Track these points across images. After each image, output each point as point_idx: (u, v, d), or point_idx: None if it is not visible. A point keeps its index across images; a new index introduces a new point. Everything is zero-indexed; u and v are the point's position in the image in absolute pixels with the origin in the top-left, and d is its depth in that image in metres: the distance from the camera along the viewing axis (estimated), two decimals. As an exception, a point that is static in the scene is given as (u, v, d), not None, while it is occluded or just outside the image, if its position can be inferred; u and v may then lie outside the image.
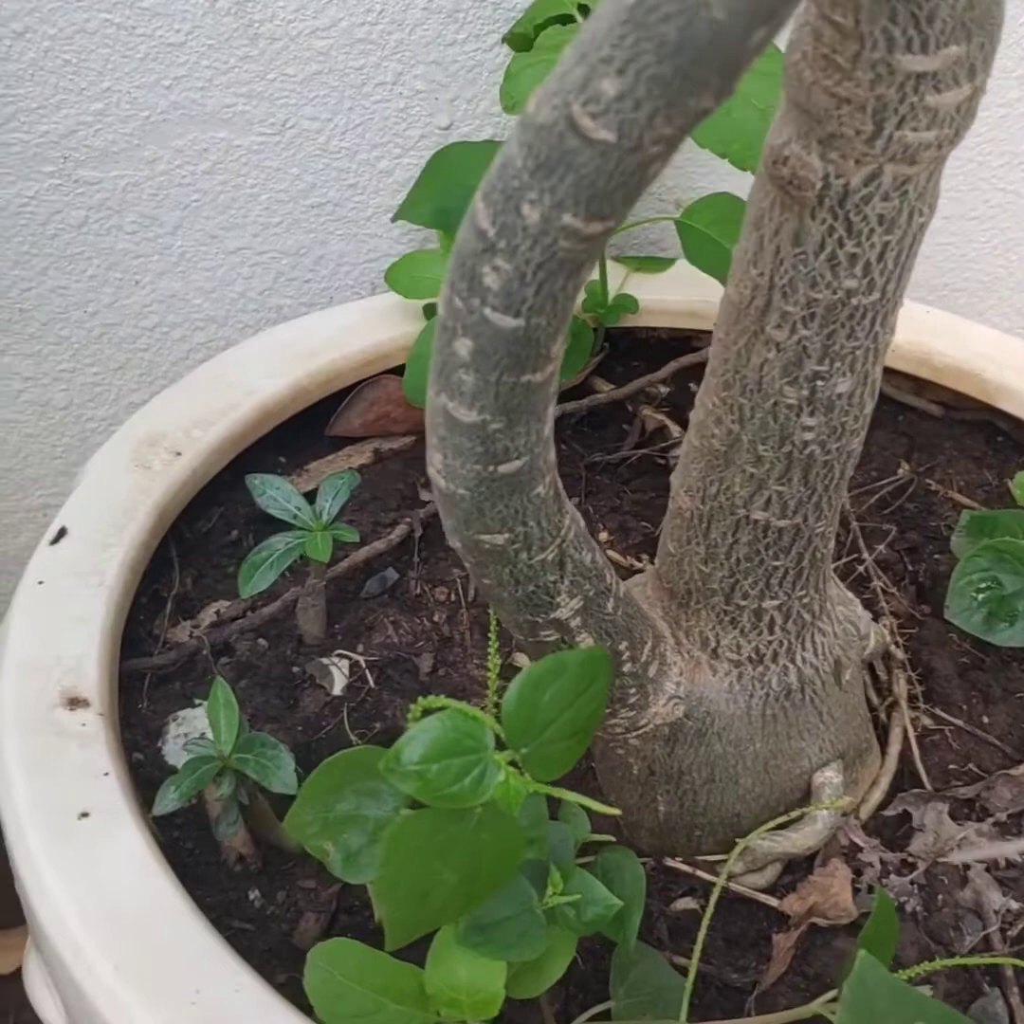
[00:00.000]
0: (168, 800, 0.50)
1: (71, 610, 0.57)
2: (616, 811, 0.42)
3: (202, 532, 0.70)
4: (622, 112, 0.31)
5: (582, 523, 0.48)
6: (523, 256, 0.35)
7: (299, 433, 0.75)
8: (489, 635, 0.52)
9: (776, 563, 0.50)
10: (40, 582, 0.58)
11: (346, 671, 0.64)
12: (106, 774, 0.51)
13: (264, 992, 0.44)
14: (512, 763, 0.41)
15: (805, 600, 0.53)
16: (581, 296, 0.78)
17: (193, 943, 0.45)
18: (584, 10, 0.69)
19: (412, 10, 0.73)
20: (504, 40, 0.75)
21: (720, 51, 0.29)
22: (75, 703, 0.53)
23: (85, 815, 0.49)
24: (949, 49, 0.36)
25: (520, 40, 0.72)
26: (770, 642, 0.53)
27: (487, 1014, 0.43)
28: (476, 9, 0.74)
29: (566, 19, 0.68)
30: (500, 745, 0.41)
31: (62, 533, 0.60)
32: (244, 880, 0.56)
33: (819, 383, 0.45)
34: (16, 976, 1.00)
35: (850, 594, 0.59)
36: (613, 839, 0.49)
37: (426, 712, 0.40)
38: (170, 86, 0.73)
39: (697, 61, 0.29)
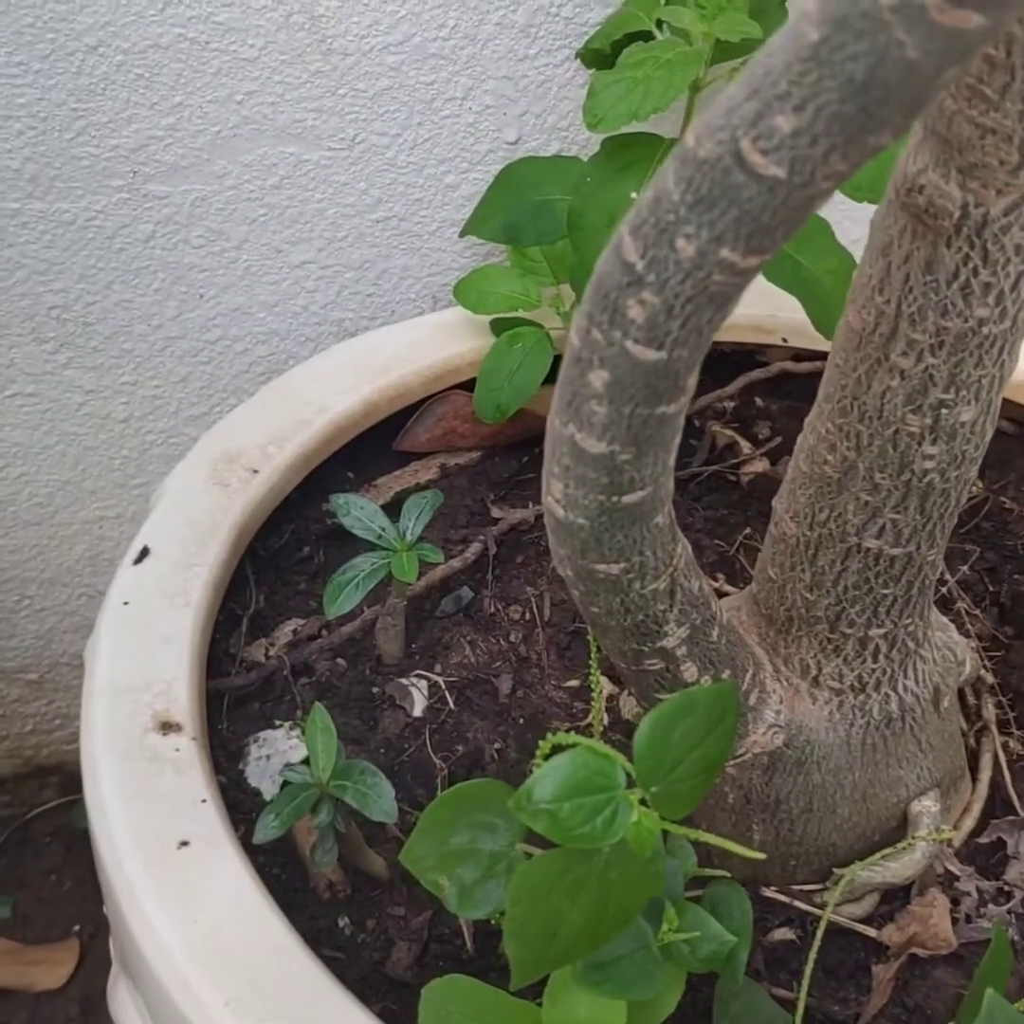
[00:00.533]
0: (268, 828, 0.49)
1: (159, 631, 0.56)
2: (760, 855, 0.41)
3: (274, 549, 0.70)
4: (797, 148, 0.30)
5: (690, 551, 0.48)
6: (673, 290, 0.35)
7: (367, 448, 0.75)
8: (590, 664, 0.51)
9: (885, 591, 0.50)
10: (125, 603, 0.57)
11: (425, 692, 0.63)
12: (204, 801, 0.50)
13: (378, 1029, 0.44)
14: (641, 802, 0.40)
15: (910, 628, 0.52)
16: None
17: (304, 979, 0.45)
18: (661, 26, 0.68)
19: (485, 26, 0.73)
20: (577, 55, 0.74)
21: (909, 90, 0.28)
22: (168, 727, 0.52)
23: (185, 844, 0.48)
24: (1104, 80, 0.36)
25: (594, 56, 0.72)
26: (873, 670, 0.53)
27: (606, 1053, 0.43)
28: (548, 24, 0.74)
29: (645, 36, 0.68)
30: (629, 783, 0.40)
31: (145, 552, 0.60)
32: (333, 908, 0.55)
33: (943, 411, 0.44)
34: (64, 991, 1.00)
35: (945, 619, 0.58)
36: (725, 873, 0.49)
37: (555, 749, 0.40)
38: (242, 101, 0.73)
39: (883, 100, 0.29)
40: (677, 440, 0.41)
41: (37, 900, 1.04)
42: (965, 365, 0.43)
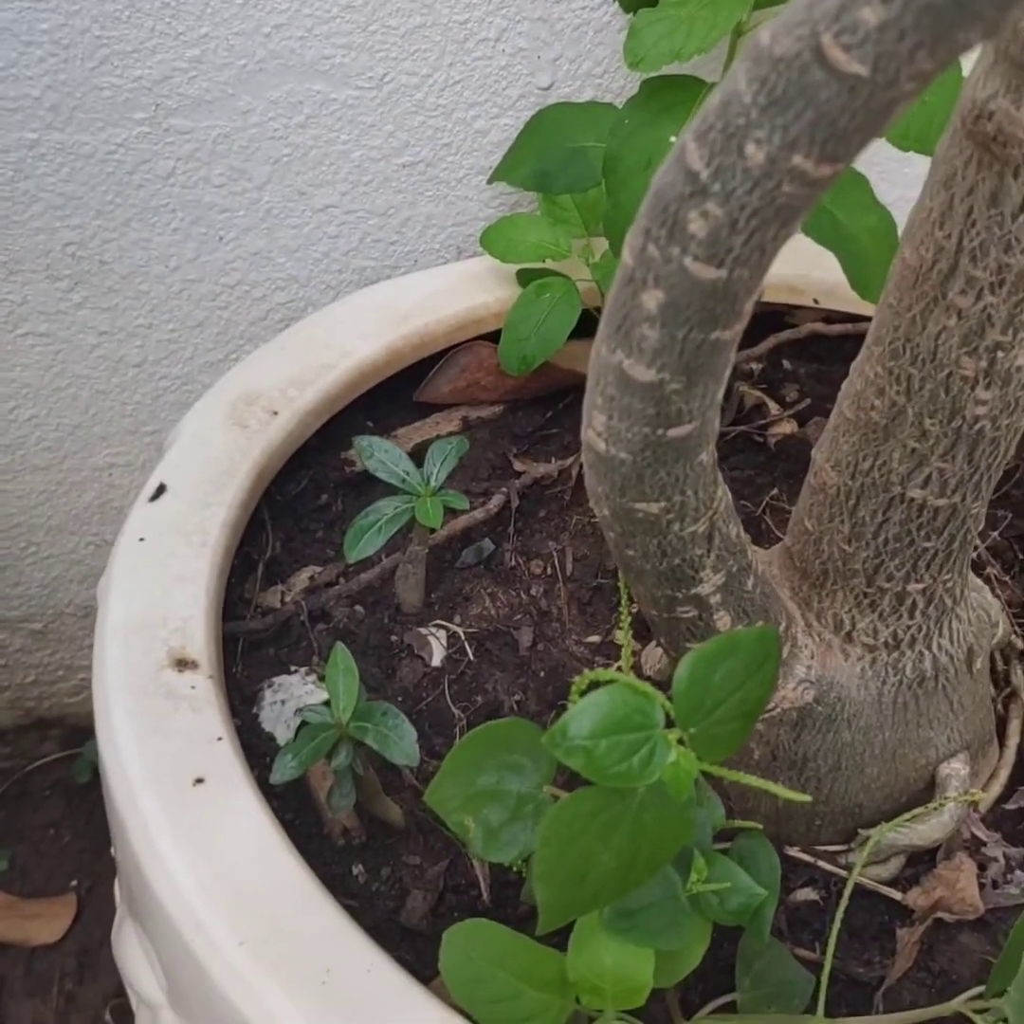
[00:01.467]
0: (286, 768, 0.48)
1: (175, 569, 0.55)
2: (807, 798, 0.40)
3: (292, 495, 0.68)
4: (883, 44, 0.28)
5: (730, 496, 0.46)
6: (739, 201, 0.33)
7: (387, 398, 0.73)
8: (621, 610, 0.50)
9: (927, 544, 0.48)
10: (141, 539, 0.56)
11: (444, 642, 0.62)
12: (219, 739, 0.49)
13: (397, 973, 0.42)
14: (680, 742, 0.39)
15: (949, 584, 0.51)
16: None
17: (321, 921, 0.43)
18: (704, -33, 0.66)
19: (522, -37, 0.71)
20: (616, -2, 0.72)
21: (1008, -23, 0.27)
22: (183, 665, 0.51)
23: (200, 781, 0.47)
24: None
25: (634, 0, 0.70)
26: (909, 627, 0.51)
27: (632, 1004, 0.41)
28: (587, -36, 0.72)
29: (688, -24, 0.66)
30: (667, 723, 0.39)
31: (161, 489, 0.58)
32: (347, 854, 0.54)
33: (1000, 354, 0.42)
34: (60, 945, 0.99)
35: (979, 580, 0.57)
36: (756, 826, 0.47)
37: (592, 685, 0.38)
38: (269, 34, 0.71)
39: (979, -12, 0.27)
40: (728, 371, 0.40)
41: (35, 853, 1.03)
42: (1026, 305, 0.41)
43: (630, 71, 0.61)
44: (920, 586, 0.50)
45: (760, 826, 0.48)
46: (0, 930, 0.97)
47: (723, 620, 0.48)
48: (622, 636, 0.50)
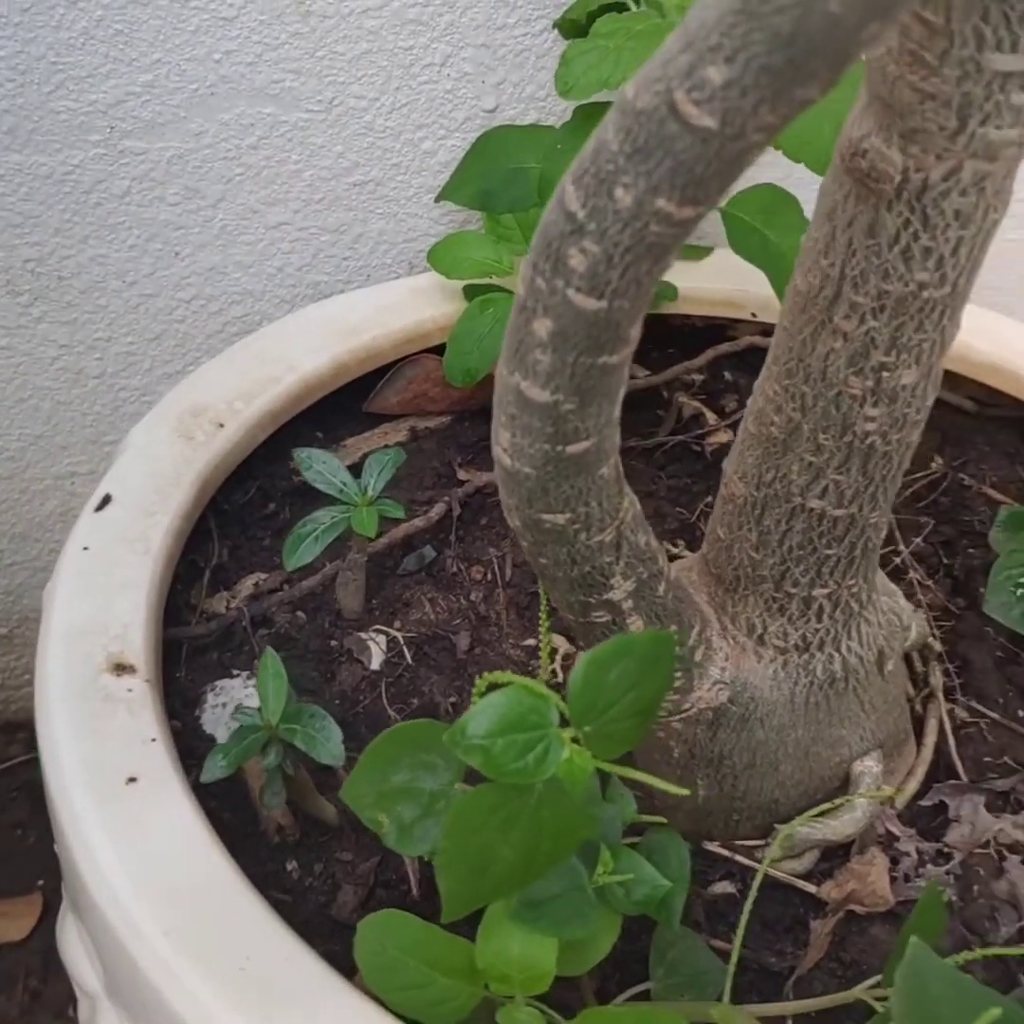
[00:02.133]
0: (216, 768, 0.50)
1: (117, 577, 0.57)
2: (687, 792, 0.42)
3: (239, 504, 0.70)
4: (728, 100, 0.31)
5: (638, 506, 0.49)
6: (612, 239, 0.35)
7: (337, 409, 0.76)
8: (540, 614, 0.52)
9: (829, 552, 0.51)
10: (85, 548, 0.58)
11: (383, 646, 0.64)
12: (153, 740, 0.51)
13: (314, 962, 0.45)
14: (574, 740, 0.41)
15: (854, 589, 0.53)
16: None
17: (243, 913, 0.46)
18: (637, -3, 0.69)
19: (464, -9, 0.73)
20: (555, 26, 0.74)
21: (833, 44, 0.29)
22: (121, 669, 0.53)
23: (133, 780, 0.49)
24: (1039, 47, 0.36)
25: (571, 26, 0.72)
26: (817, 630, 0.54)
27: (538, 989, 0.44)
28: (527, -8, 0.74)
29: (620, 7, 0.68)
30: (563, 723, 0.41)
31: (107, 499, 0.61)
32: (282, 851, 0.56)
33: (885, 374, 0.45)
34: (26, 943, 1.01)
35: (893, 585, 0.59)
36: (663, 820, 0.50)
37: (491, 687, 0.41)
38: (220, 60, 0.73)
39: (809, 53, 0.29)
40: (622, 392, 0.42)
41: (2, 854, 1.05)
42: (906, 329, 0.44)
43: (561, 97, 0.64)
44: (825, 591, 0.52)
45: (665, 820, 0.50)
46: (-32, 929, 0.99)
47: (636, 624, 0.50)
48: (543, 639, 0.52)
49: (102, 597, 0.56)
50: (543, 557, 0.48)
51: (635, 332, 0.40)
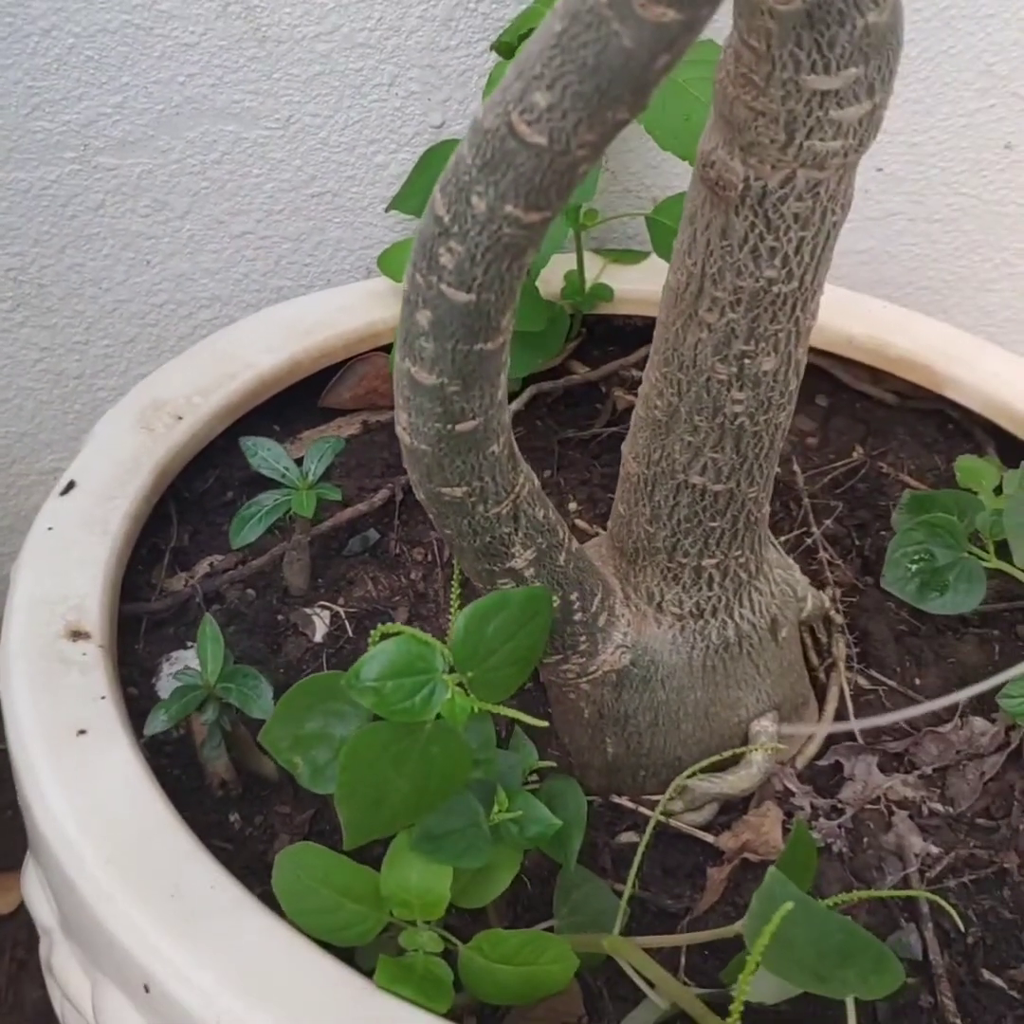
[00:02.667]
0: (157, 722, 0.56)
1: (76, 554, 0.62)
2: (543, 723, 0.48)
3: (199, 492, 0.76)
4: (552, 120, 0.36)
5: (536, 483, 0.54)
6: (473, 240, 0.41)
7: (294, 405, 0.81)
8: (453, 582, 0.57)
9: (713, 524, 0.56)
10: (50, 529, 0.64)
11: (327, 621, 0.70)
12: (103, 698, 0.56)
13: (238, 891, 0.50)
14: (460, 685, 0.46)
15: (741, 560, 0.58)
16: (561, 284, 0.84)
17: (175, 847, 0.51)
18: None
19: (408, 18, 0.79)
20: (492, 47, 0.80)
21: (630, 73, 0.34)
22: (77, 635, 0.59)
23: (82, 732, 0.55)
24: (849, 70, 0.42)
25: (506, 48, 0.78)
26: (709, 598, 0.59)
27: (433, 915, 0.49)
28: (467, 18, 0.80)
29: (549, 27, 0.74)
30: (451, 670, 0.46)
31: (71, 485, 0.66)
32: (225, 804, 0.61)
33: (746, 361, 0.50)
34: (12, 918, 1.06)
35: (790, 560, 0.64)
36: (555, 766, 0.55)
37: (384, 637, 0.46)
38: (184, 82, 0.79)
39: (612, 81, 0.35)
40: (504, 377, 0.48)
41: (-8, 833, 1.11)
42: (762, 320, 0.49)
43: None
44: (713, 561, 0.58)
45: (555, 765, 0.55)
46: (-42, 903, 1.05)
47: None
48: (453, 602, 0.57)
49: (62, 572, 0.61)
50: (448, 528, 0.53)
51: (507, 322, 0.45)
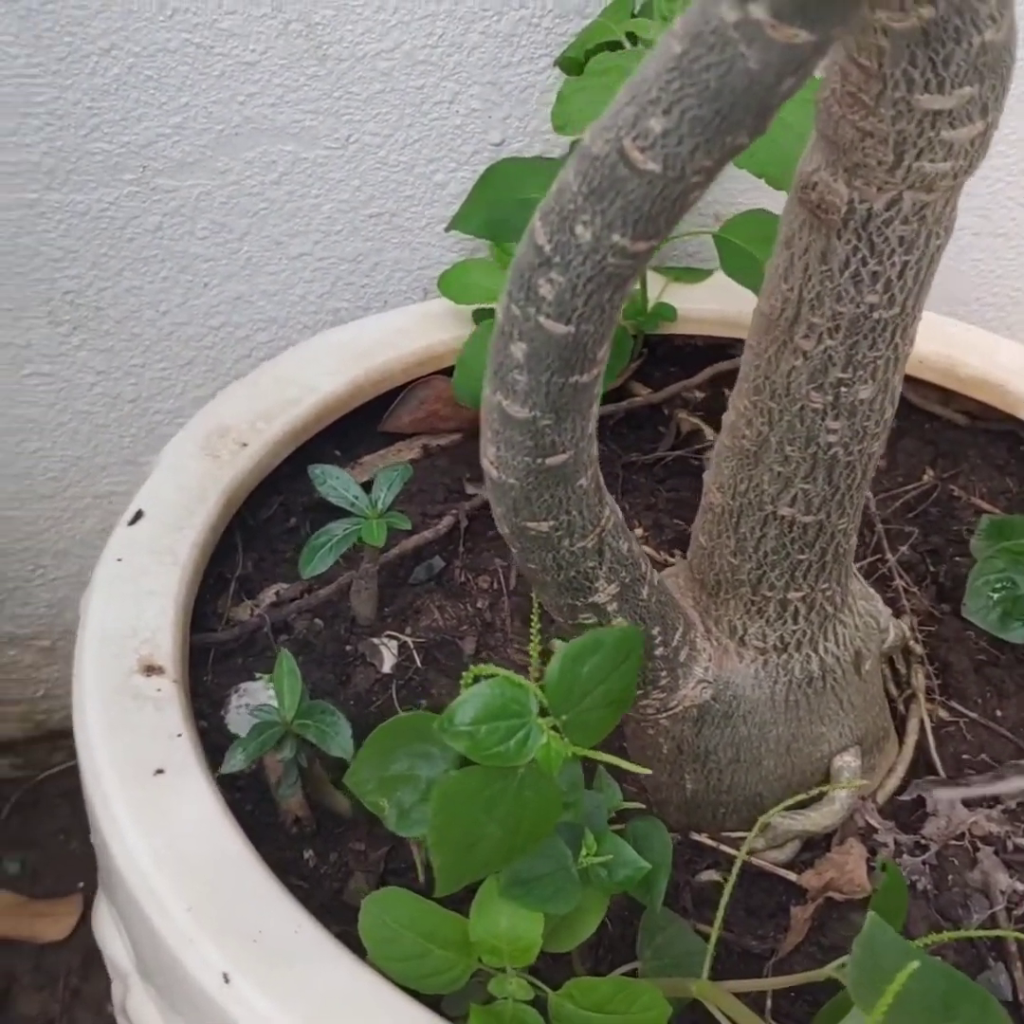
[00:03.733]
0: (235, 760, 0.54)
1: (147, 586, 0.61)
2: (647, 771, 0.46)
3: (263, 519, 0.75)
4: (667, 147, 0.35)
5: (620, 515, 0.52)
6: (575, 270, 0.39)
7: (353, 428, 0.80)
8: (532, 617, 0.56)
9: (801, 557, 0.54)
10: (119, 559, 0.63)
11: (395, 651, 0.68)
12: (179, 735, 0.55)
13: (321, 934, 0.49)
14: (553, 728, 0.45)
15: (828, 593, 0.56)
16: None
17: (257, 890, 0.50)
18: (632, 37, 0.73)
19: (470, 34, 0.78)
20: (556, 63, 0.79)
21: (754, 96, 0.33)
22: (151, 670, 0.58)
23: (160, 772, 0.53)
24: (963, 90, 0.40)
25: (571, 64, 0.77)
26: (794, 631, 0.57)
27: (524, 961, 0.47)
28: (530, 34, 0.79)
29: (614, 45, 0.73)
30: (543, 713, 0.45)
31: (139, 515, 0.65)
32: (299, 841, 0.60)
33: (843, 389, 0.49)
34: (67, 943, 1.05)
35: (872, 590, 0.62)
36: (643, 806, 0.53)
37: (477, 679, 0.45)
38: (243, 102, 0.78)
39: (734, 105, 0.33)
40: (595, 409, 0.46)
41: (46, 858, 1.10)
42: (860, 347, 0.47)
43: (557, 133, 0.68)
44: (800, 594, 0.56)
45: (643, 805, 0.53)
46: (11, 928, 1.04)
47: (621, 625, 0.54)
48: (534, 638, 0.56)
49: (133, 604, 0.60)
50: (531, 562, 0.52)
51: (603, 353, 0.44)
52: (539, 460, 0.46)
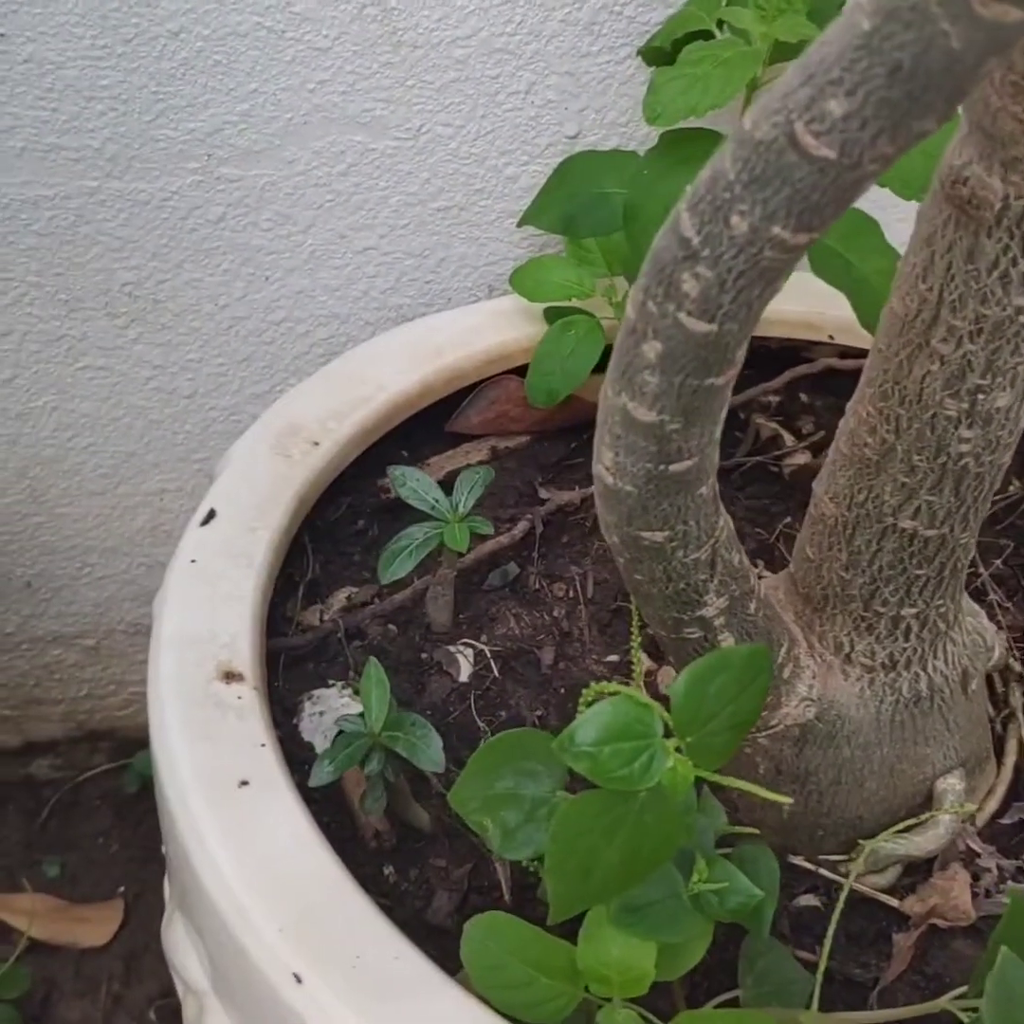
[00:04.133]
0: (323, 773, 0.52)
1: (223, 589, 0.59)
2: (787, 799, 0.44)
3: (331, 520, 0.72)
4: (847, 131, 0.33)
5: (732, 525, 0.50)
6: (726, 264, 0.37)
7: (420, 428, 0.78)
8: (631, 630, 0.54)
9: (919, 572, 0.52)
10: (192, 561, 0.60)
11: (471, 659, 0.66)
12: (263, 745, 0.53)
13: (421, 960, 0.46)
14: (677, 750, 0.42)
15: (942, 609, 0.54)
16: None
17: (353, 912, 0.47)
18: (721, 25, 0.70)
19: (550, 22, 0.75)
20: (639, 53, 0.76)
21: (952, 78, 0.31)
22: (231, 677, 0.55)
23: (245, 783, 0.51)
24: None
25: (655, 54, 0.74)
26: (904, 649, 0.54)
27: (636, 992, 0.45)
28: (612, 22, 0.76)
29: (706, 35, 0.70)
30: (667, 734, 0.43)
31: (211, 515, 0.63)
32: (379, 856, 0.58)
33: (980, 396, 0.46)
34: (108, 948, 1.03)
35: (977, 606, 0.60)
36: (755, 831, 0.51)
37: (599, 697, 0.42)
38: (313, 89, 0.76)
39: (928, 87, 0.31)
40: (724, 412, 0.44)
41: (85, 861, 1.08)
42: (1002, 352, 0.45)
43: (648, 125, 0.65)
44: (914, 611, 0.53)
45: (758, 832, 0.51)
46: (51, 933, 1.02)
47: (727, 641, 0.52)
48: (635, 654, 0.53)
49: (210, 608, 0.58)
50: (639, 574, 0.49)
51: (741, 354, 0.41)
52: (662, 466, 0.44)
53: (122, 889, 1.05)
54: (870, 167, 0.33)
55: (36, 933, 0.98)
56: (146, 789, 1.11)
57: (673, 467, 0.44)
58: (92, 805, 1.10)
